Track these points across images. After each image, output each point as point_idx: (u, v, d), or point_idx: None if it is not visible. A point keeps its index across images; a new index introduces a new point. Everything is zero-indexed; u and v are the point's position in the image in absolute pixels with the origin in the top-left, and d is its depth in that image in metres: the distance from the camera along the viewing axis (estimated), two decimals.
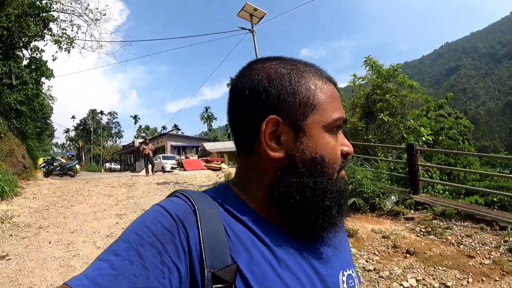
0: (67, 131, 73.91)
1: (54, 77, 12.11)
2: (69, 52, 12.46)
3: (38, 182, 10.37)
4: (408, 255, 3.62)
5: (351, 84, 10.24)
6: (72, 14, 12.46)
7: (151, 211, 0.48)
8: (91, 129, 70.07)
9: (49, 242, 4.49)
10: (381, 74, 9.29)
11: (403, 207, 5.20)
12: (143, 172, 15.42)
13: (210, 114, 68.20)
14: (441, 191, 7.15)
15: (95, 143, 68.98)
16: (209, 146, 28.92)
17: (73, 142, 73.99)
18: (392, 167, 7.04)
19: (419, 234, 4.22)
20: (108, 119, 77.78)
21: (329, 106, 0.52)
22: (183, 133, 46.12)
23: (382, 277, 3.17)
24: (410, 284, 2.98)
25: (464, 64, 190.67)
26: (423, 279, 3.06)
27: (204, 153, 25.28)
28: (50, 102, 23.02)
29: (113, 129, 78.74)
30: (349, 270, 0.57)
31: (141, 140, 24.55)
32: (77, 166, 20.36)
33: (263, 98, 0.51)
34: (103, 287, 0.39)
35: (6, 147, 9.87)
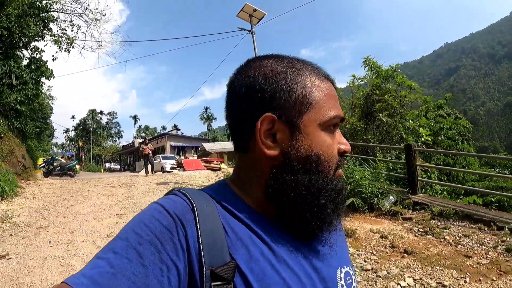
0: (66, 131, 73.87)
1: (54, 77, 12.13)
2: (69, 52, 12.50)
3: (38, 182, 10.39)
4: (405, 254, 3.63)
5: (351, 85, 10.26)
6: (72, 14, 12.50)
7: (149, 209, 0.48)
8: (91, 129, 69.94)
9: (49, 242, 4.51)
10: (380, 75, 9.31)
11: (401, 207, 5.22)
12: (143, 172, 15.43)
13: (210, 114, 68.25)
14: (439, 191, 7.17)
15: (94, 143, 68.87)
16: (208, 146, 28.89)
17: (73, 142, 73.89)
18: (391, 167, 7.06)
19: (417, 234, 4.24)
20: (107, 119, 77.84)
21: (325, 104, 0.52)
22: (182, 133, 46.05)
23: (380, 277, 3.19)
24: (408, 284, 3.00)
25: (464, 65, 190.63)
26: (421, 278, 3.08)
27: (203, 153, 25.27)
28: (50, 102, 23.01)
29: (113, 129, 78.76)
30: (346, 268, 0.58)
31: (141, 140, 24.53)
32: (77, 166, 20.38)
33: (259, 96, 0.51)
34: (101, 285, 0.38)
35: (6, 147, 9.89)
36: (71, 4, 12.27)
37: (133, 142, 43.31)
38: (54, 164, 15.98)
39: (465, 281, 2.99)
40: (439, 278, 3.08)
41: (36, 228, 5.14)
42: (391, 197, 5.38)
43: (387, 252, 3.77)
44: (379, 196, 5.42)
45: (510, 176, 11.46)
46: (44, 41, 11.78)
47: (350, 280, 0.57)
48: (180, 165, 16.95)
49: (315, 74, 0.54)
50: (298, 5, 14.74)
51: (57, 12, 12.08)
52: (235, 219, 0.50)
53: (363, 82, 10.05)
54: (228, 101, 0.56)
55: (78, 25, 12.75)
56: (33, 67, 11.54)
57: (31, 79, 11.21)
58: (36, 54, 11.82)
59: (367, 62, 9.60)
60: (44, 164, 15.93)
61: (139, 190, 8.85)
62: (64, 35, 12.27)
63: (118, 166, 47.03)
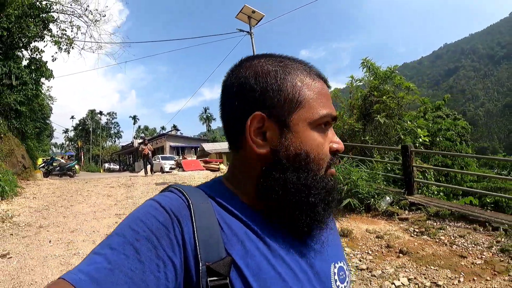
0: (66, 131, 73.68)
1: (53, 77, 12.14)
2: (68, 52, 12.50)
3: (37, 182, 10.42)
4: (401, 254, 3.67)
5: (349, 86, 10.32)
6: (72, 15, 12.51)
7: (145, 205, 0.49)
8: (90, 129, 69.84)
9: (50, 241, 4.55)
10: (378, 76, 9.37)
11: (397, 207, 5.26)
12: (142, 172, 15.45)
13: (209, 115, 68.27)
14: (436, 192, 7.22)
15: (94, 143, 68.78)
16: (208, 146, 28.88)
17: (72, 142, 73.75)
18: (388, 168, 7.10)
19: (412, 234, 4.28)
20: (107, 119, 77.72)
21: (316, 102, 0.52)
22: (182, 133, 46.01)
23: (375, 276, 3.23)
24: (402, 283, 3.04)
25: (463, 66, 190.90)
26: (415, 278, 3.11)
27: (203, 154, 25.28)
28: (49, 102, 23.04)
29: (112, 129, 78.64)
30: (340, 263, 0.59)
31: (140, 141, 24.57)
32: (76, 167, 20.37)
33: (250, 94, 0.52)
34: (99, 281, 0.39)
35: (6, 147, 9.91)
36: (71, 5, 12.30)
37: (132, 143, 43.27)
38: (54, 164, 16.00)
39: (459, 281, 3.02)
40: (433, 278, 3.11)
41: (36, 228, 5.18)
42: (388, 198, 5.43)
43: (382, 252, 3.82)
44: (376, 196, 5.46)
45: (507, 177, 11.52)
46: (44, 41, 11.79)
47: (344, 275, 0.58)
48: (179, 166, 16.99)
49: (307, 72, 0.55)
50: (297, 6, 14.79)
51: (57, 12, 12.10)
52: (231, 215, 0.51)
53: (361, 83, 10.11)
54: (222, 100, 0.58)
55: (77, 25, 12.77)
56: (33, 68, 11.56)
57: (31, 80, 11.23)
58: (36, 54, 11.85)
59: (365, 64, 9.65)
60: (43, 164, 15.96)
61: (138, 190, 8.88)
62: (64, 36, 12.28)
63: (118, 167, 46.92)
